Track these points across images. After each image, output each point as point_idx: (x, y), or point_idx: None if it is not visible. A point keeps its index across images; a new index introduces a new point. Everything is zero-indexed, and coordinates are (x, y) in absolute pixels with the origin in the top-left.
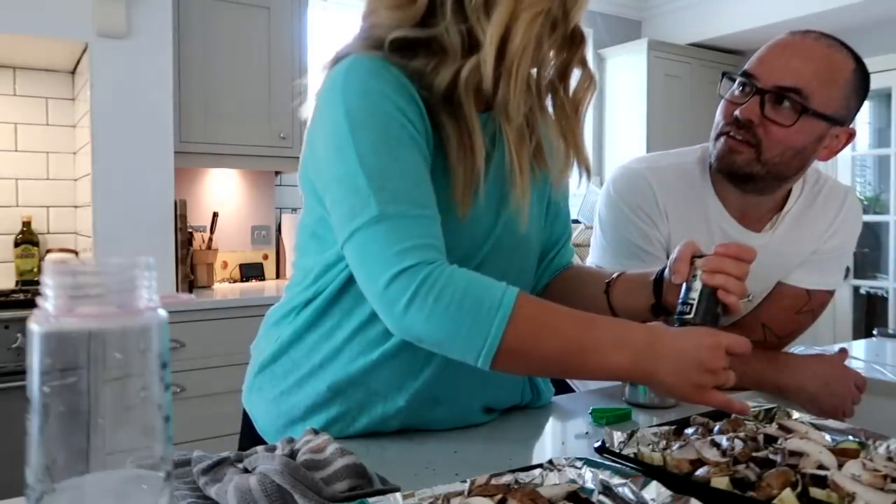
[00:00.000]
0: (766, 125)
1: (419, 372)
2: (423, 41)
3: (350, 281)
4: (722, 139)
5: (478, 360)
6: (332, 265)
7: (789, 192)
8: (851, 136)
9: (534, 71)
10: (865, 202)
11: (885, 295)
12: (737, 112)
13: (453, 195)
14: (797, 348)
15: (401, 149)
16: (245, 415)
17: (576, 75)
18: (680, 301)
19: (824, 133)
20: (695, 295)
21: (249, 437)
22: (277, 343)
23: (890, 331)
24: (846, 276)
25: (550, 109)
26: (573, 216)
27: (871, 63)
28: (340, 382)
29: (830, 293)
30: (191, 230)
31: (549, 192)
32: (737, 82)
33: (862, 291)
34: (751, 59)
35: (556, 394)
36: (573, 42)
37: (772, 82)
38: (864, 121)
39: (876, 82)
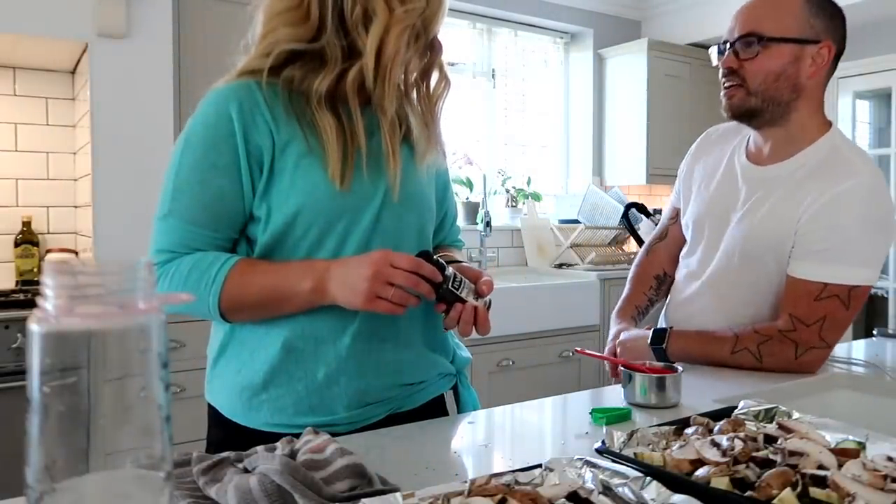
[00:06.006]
0: (743, 64)
1: (355, 312)
2: (305, 53)
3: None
4: (722, 93)
5: (212, 316)
6: (229, 249)
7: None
8: (831, 49)
9: (402, 73)
10: None
11: (885, 295)
12: (721, 67)
13: (331, 174)
14: None
15: (211, 174)
16: (210, 409)
17: (435, 77)
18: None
19: (799, 53)
20: (451, 271)
21: (216, 428)
22: (223, 332)
23: (890, 331)
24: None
25: (415, 103)
26: (574, 216)
27: (871, 63)
28: (290, 338)
29: (848, 285)
30: None
31: (436, 173)
32: (718, 50)
33: None
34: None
35: (556, 394)
36: (432, 50)
37: (734, 36)
38: (863, 121)
39: (876, 82)
